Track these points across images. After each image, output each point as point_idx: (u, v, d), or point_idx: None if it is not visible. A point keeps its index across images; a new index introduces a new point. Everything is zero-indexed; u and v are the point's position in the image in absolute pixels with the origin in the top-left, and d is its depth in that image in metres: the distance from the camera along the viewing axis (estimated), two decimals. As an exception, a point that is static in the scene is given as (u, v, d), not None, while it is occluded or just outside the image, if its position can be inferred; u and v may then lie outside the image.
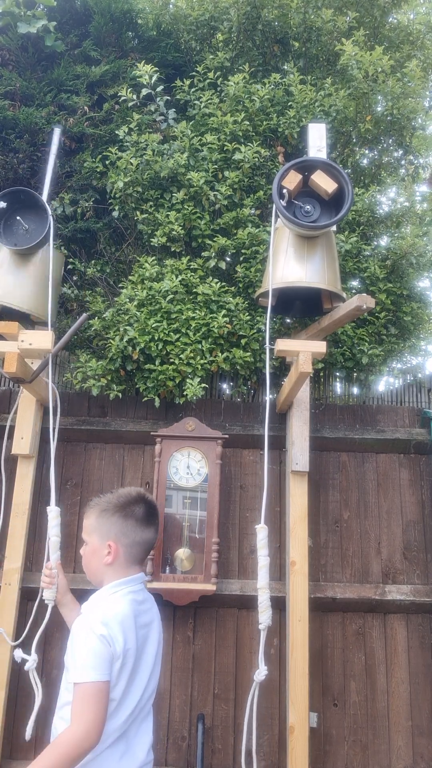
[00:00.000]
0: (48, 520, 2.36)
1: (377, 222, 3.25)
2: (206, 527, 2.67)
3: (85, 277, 3.24)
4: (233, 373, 3.02)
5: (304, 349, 2.38)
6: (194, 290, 2.90)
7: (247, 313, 2.91)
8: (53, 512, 2.36)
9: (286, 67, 3.33)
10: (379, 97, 3.23)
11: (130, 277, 3.02)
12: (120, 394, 2.85)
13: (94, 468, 2.91)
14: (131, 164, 3.09)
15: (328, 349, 2.69)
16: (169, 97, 3.31)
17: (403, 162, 3.64)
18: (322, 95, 3.23)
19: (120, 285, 3.11)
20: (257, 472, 2.88)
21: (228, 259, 3.10)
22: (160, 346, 2.77)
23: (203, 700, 2.65)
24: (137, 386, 2.88)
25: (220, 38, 3.46)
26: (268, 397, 2.59)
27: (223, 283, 2.94)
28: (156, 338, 2.77)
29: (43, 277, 2.76)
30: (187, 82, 3.30)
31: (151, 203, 3.15)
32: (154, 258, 3.03)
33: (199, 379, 2.74)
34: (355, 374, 3.20)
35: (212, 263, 3.01)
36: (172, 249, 3.08)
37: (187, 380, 2.74)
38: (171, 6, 3.60)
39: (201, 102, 3.25)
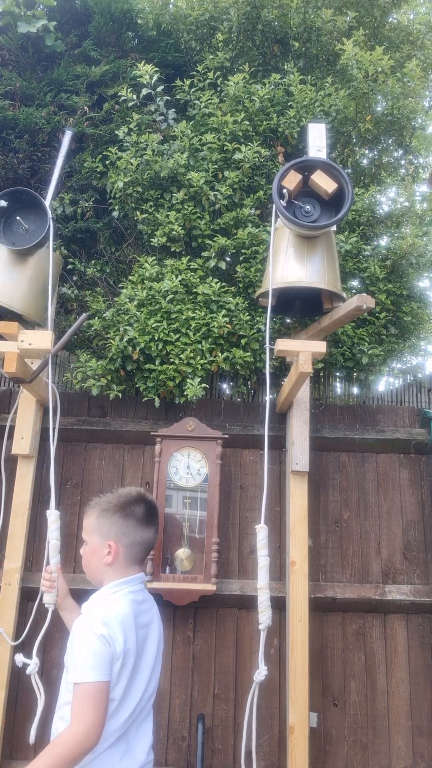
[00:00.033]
0: (48, 524, 2.35)
1: (377, 222, 3.26)
2: (206, 527, 2.67)
3: (85, 277, 3.24)
4: (233, 373, 3.02)
5: (304, 349, 2.38)
6: (194, 290, 2.90)
7: (247, 313, 2.91)
8: (53, 516, 2.34)
9: (286, 67, 3.33)
10: (379, 97, 3.23)
11: (130, 277, 3.02)
12: (120, 394, 2.85)
13: (94, 468, 2.91)
14: (131, 164, 3.09)
15: (328, 349, 2.69)
16: (169, 97, 3.31)
17: (403, 162, 3.64)
18: (322, 95, 3.23)
19: (120, 285, 3.11)
20: (257, 472, 2.88)
21: (228, 259, 3.10)
22: (160, 346, 2.77)
23: (203, 700, 2.65)
24: (137, 386, 2.88)
25: (220, 38, 3.46)
26: (268, 397, 2.59)
27: (223, 283, 2.94)
28: (156, 338, 2.78)
29: (39, 279, 2.74)
30: (187, 82, 3.30)
31: (151, 203, 3.15)
32: (154, 258, 3.03)
33: (199, 379, 2.74)
34: (355, 374, 3.20)
35: (212, 263, 3.01)
36: (172, 249, 3.08)
37: (187, 380, 2.74)
38: (171, 6, 3.60)
39: (201, 102, 3.25)
